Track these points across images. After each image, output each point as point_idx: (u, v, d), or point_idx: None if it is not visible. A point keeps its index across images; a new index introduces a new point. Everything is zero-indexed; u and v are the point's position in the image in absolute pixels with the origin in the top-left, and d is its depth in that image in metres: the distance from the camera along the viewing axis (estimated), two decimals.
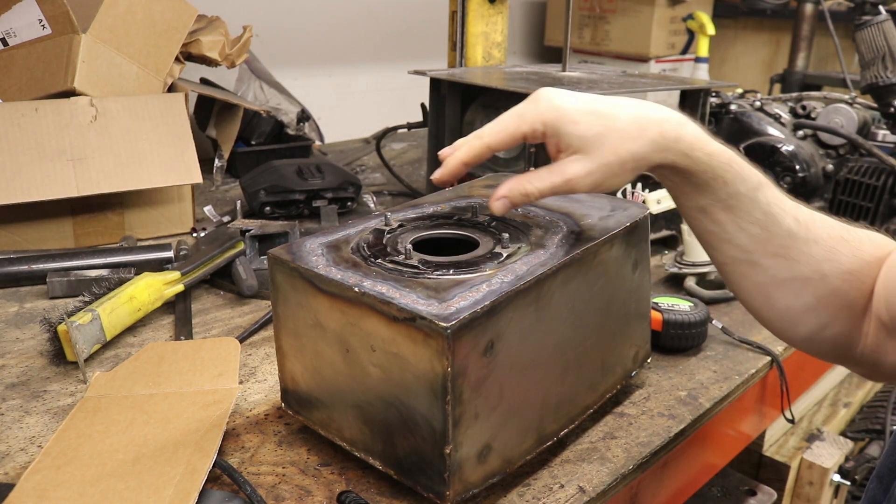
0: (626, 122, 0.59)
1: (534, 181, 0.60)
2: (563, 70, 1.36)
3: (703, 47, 2.22)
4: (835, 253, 0.61)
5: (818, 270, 0.61)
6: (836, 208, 1.30)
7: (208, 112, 1.56)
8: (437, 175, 0.64)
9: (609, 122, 0.58)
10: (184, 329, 0.91)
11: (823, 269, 0.61)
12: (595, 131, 0.58)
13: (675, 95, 1.34)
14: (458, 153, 0.62)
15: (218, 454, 0.62)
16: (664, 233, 1.19)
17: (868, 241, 0.63)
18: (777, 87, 2.23)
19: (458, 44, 1.50)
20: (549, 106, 0.59)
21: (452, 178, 0.63)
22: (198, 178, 1.17)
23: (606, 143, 0.58)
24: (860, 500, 0.70)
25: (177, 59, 1.28)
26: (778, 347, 0.92)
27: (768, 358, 0.90)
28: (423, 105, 1.45)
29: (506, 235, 0.66)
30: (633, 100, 0.61)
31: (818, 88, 2.09)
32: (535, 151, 1.14)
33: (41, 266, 1.01)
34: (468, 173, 1.25)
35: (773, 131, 1.36)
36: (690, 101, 1.29)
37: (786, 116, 1.40)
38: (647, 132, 0.58)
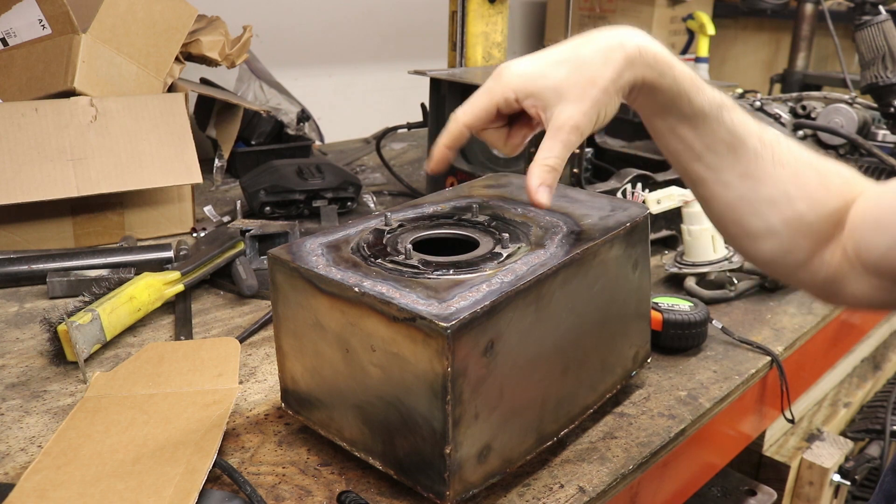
0: (590, 56, 0.59)
1: (547, 153, 0.60)
2: None
3: (703, 47, 2.22)
4: (801, 177, 0.63)
5: (784, 192, 0.62)
6: None
7: (208, 112, 1.56)
8: (429, 166, 0.66)
9: (574, 62, 0.59)
10: (184, 329, 0.91)
11: (790, 191, 0.62)
12: (564, 74, 0.59)
13: None
14: (439, 140, 0.64)
15: (218, 454, 0.62)
16: (664, 233, 1.19)
17: (836, 172, 0.64)
18: (777, 87, 2.23)
19: (458, 44, 1.50)
20: (511, 74, 0.61)
21: (441, 164, 0.64)
22: (198, 178, 1.17)
23: (581, 80, 0.59)
24: (873, 492, 0.71)
25: (177, 59, 1.28)
26: (778, 347, 0.92)
27: (768, 358, 0.90)
28: (423, 105, 1.45)
29: (506, 235, 0.66)
30: (587, 35, 0.62)
31: (818, 88, 2.09)
32: (535, 152, 1.14)
33: (41, 266, 1.00)
34: (468, 173, 1.25)
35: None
36: None
37: (786, 116, 1.40)
38: (612, 56, 0.59)
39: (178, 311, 0.95)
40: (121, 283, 0.91)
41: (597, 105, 0.59)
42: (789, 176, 0.62)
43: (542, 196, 0.60)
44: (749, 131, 0.62)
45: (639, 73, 0.60)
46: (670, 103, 0.62)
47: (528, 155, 1.15)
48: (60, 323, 0.81)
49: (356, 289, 0.58)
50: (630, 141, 1.41)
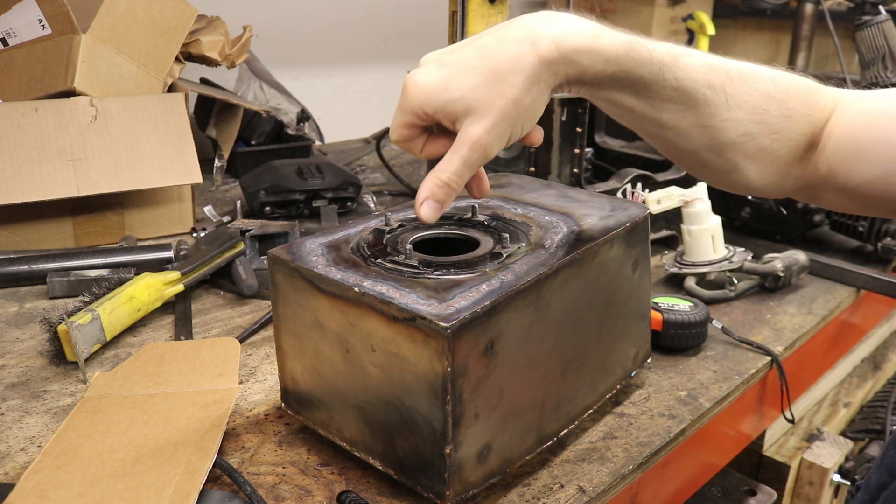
0: (499, 62, 0.54)
1: (445, 168, 0.56)
2: None
3: (703, 47, 2.22)
4: (761, 113, 0.60)
5: (745, 133, 0.60)
6: None
7: (208, 112, 1.56)
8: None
9: (482, 70, 0.54)
10: (184, 329, 0.91)
11: (750, 129, 0.60)
12: (469, 85, 0.54)
13: None
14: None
15: (218, 454, 0.62)
16: (664, 233, 1.19)
17: (795, 95, 0.62)
18: None
19: None
20: (414, 88, 0.56)
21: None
22: (198, 178, 1.17)
23: (489, 92, 0.54)
24: (872, 467, 0.72)
25: (177, 59, 1.28)
26: (778, 347, 0.92)
27: (768, 358, 0.90)
28: None
29: (506, 235, 0.66)
30: (499, 31, 0.56)
31: None
32: (535, 152, 1.14)
33: (41, 266, 1.00)
34: None
35: None
36: None
37: None
38: (524, 61, 0.54)
39: (178, 311, 0.95)
40: (121, 283, 0.91)
41: (506, 118, 0.55)
42: (747, 115, 0.60)
43: (426, 210, 0.57)
44: (697, 81, 0.58)
45: (559, 72, 0.55)
46: (604, 84, 0.58)
47: (528, 154, 1.15)
48: (60, 323, 0.81)
49: (356, 289, 0.58)
50: (630, 141, 1.41)
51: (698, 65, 0.59)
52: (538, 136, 0.62)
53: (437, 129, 0.59)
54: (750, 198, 1.24)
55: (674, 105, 0.59)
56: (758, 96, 0.60)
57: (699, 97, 0.59)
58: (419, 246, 0.67)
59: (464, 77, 0.54)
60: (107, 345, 0.86)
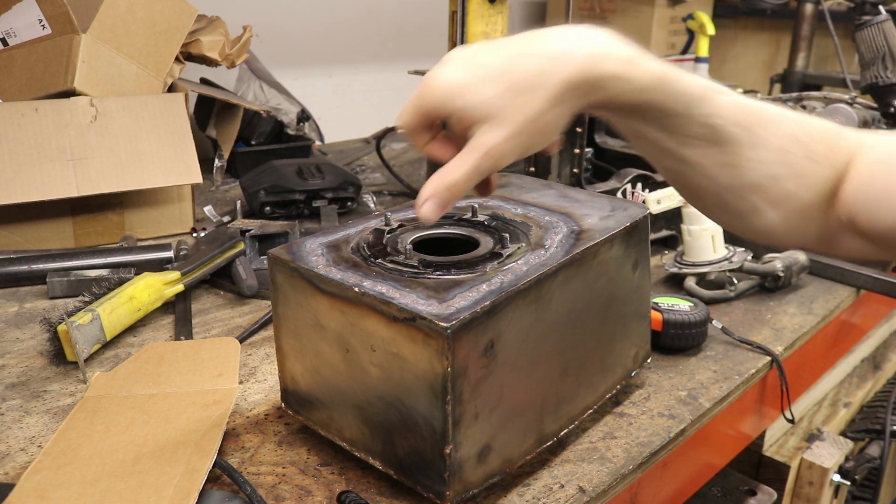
0: (527, 76, 0.52)
1: (453, 170, 0.54)
2: None
3: (703, 47, 2.22)
4: (786, 155, 0.58)
5: (770, 175, 0.59)
6: None
7: (208, 112, 1.56)
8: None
9: (508, 81, 0.52)
10: (184, 329, 0.91)
11: (775, 172, 0.59)
12: (494, 93, 0.52)
13: None
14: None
15: (218, 454, 0.62)
16: (664, 233, 1.19)
17: (820, 139, 0.60)
18: (777, 87, 2.22)
19: (457, 44, 1.50)
20: (434, 86, 0.54)
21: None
22: (198, 178, 1.17)
23: (512, 104, 0.52)
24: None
25: (177, 59, 1.28)
26: (778, 347, 0.92)
27: (768, 358, 0.90)
28: None
29: (506, 235, 0.66)
30: (530, 42, 0.54)
31: (818, 88, 2.09)
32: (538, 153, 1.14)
33: (41, 266, 1.00)
34: None
35: None
36: None
37: None
38: (549, 81, 0.52)
39: (178, 311, 0.95)
40: (121, 283, 0.91)
41: (523, 134, 0.53)
42: (773, 156, 0.58)
43: (427, 210, 0.55)
44: (725, 118, 0.56)
45: (586, 96, 0.53)
46: (631, 113, 0.56)
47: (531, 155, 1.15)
48: (60, 323, 0.81)
49: (356, 289, 0.58)
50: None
51: (728, 102, 0.57)
52: (555, 145, 0.60)
53: (445, 131, 0.58)
54: None
55: (699, 141, 0.57)
56: (784, 138, 0.58)
57: (726, 135, 0.57)
58: (419, 246, 0.67)
59: (486, 84, 0.52)
60: (107, 345, 0.86)
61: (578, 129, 1.14)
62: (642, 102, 0.55)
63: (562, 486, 0.65)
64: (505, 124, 0.52)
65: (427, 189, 0.55)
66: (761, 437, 1.12)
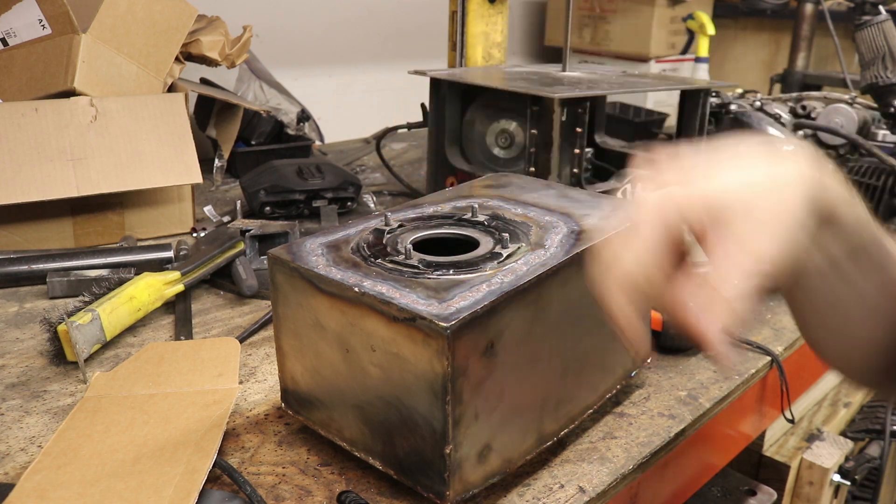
0: (771, 170, 0.46)
1: (726, 284, 0.43)
2: (564, 70, 1.36)
3: (703, 47, 2.22)
4: None
5: None
6: None
7: (208, 112, 1.56)
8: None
9: (767, 183, 0.45)
10: (184, 329, 0.91)
11: None
12: (755, 192, 0.44)
13: (675, 95, 1.34)
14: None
15: (218, 454, 0.62)
16: None
17: None
18: (777, 87, 2.23)
19: (458, 44, 1.50)
20: (662, 193, 0.46)
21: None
22: (198, 178, 1.17)
23: (778, 203, 0.44)
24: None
25: (177, 59, 1.28)
26: (778, 347, 0.92)
27: (768, 358, 0.90)
28: (423, 105, 1.45)
29: (506, 235, 0.66)
30: (766, 155, 0.47)
31: (818, 88, 2.09)
32: (535, 152, 1.14)
33: (41, 266, 1.00)
34: (468, 173, 1.24)
35: (774, 131, 1.36)
36: (690, 102, 1.29)
37: (786, 116, 1.40)
38: (794, 180, 0.46)
39: (178, 311, 0.95)
40: (121, 283, 0.91)
41: (789, 240, 0.43)
42: None
43: (728, 352, 0.44)
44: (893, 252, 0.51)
45: (818, 220, 0.47)
46: (838, 231, 0.50)
47: (528, 155, 1.15)
48: (60, 323, 0.81)
49: (356, 289, 0.58)
50: (630, 141, 1.41)
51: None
52: None
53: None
54: None
55: (876, 275, 0.52)
56: None
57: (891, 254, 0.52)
58: (419, 246, 0.67)
59: (747, 189, 0.44)
60: (107, 345, 0.86)
61: (578, 130, 1.14)
62: (856, 227, 0.50)
63: (562, 486, 0.65)
64: (774, 224, 0.43)
65: (713, 320, 0.45)
66: (761, 437, 1.12)
